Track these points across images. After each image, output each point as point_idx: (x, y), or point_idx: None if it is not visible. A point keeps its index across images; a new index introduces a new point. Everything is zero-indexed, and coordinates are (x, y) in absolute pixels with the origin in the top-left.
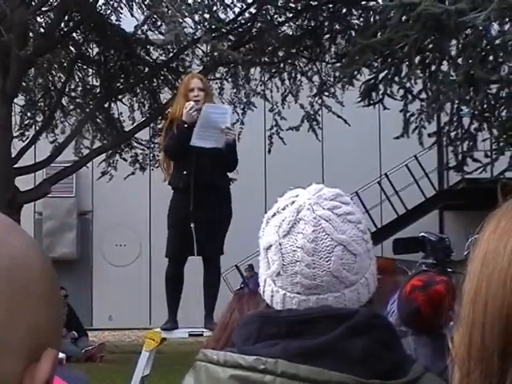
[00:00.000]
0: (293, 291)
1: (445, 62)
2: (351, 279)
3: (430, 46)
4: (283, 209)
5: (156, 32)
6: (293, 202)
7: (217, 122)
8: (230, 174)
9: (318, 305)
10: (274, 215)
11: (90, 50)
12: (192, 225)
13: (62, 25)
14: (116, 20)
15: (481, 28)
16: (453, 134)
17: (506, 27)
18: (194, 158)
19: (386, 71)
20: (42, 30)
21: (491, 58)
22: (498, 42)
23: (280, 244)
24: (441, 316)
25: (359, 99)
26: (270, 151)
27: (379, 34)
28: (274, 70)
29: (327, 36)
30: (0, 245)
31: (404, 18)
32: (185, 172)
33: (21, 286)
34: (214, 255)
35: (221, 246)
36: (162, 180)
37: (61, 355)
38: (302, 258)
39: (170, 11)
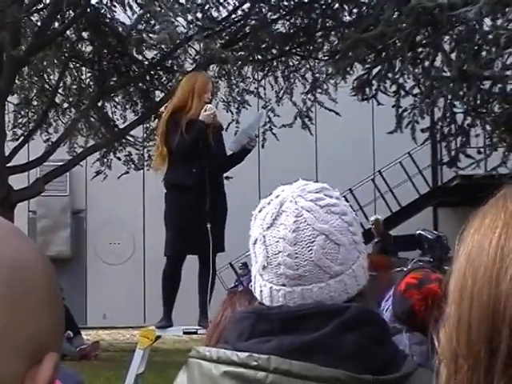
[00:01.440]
0: (278, 283)
1: (438, 58)
2: (336, 269)
3: (424, 41)
4: (268, 203)
5: (149, 31)
6: (277, 196)
7: (254, 129)
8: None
9: (304, 296)
10: (260, 211)
11: (84, 49)
12: (209, 225)
13: (56, 24)
14: (110, 19)
15: (473, 23)
16: (446, 130)
17: (499, 22)
18: (205, 157)
19: (379, 67)
20: (36, 29)
21: (484, 53)
22: (490, 36)
23: (264, 236)
24: (435, 314)
25: (353, 94)
26: (263, 146)
27: (372, 28)
28: (267, 69)
29: (320, 33)
30: (1, 246)
31: (397, 12)
32: (194, 170)
33: (23, 287)
34: (217, 253)
35: (223, 244)
36: (152, 168)
37: None
38: (284, 248)
39: (162, 10)
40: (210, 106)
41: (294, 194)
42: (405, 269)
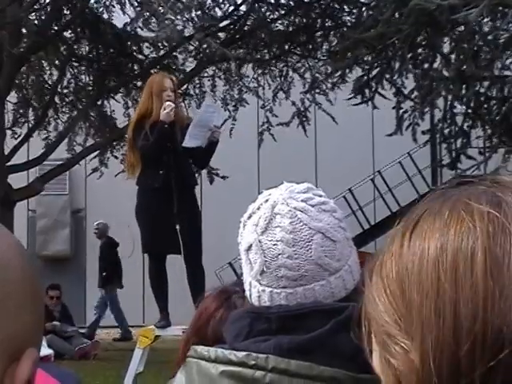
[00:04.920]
0: (279, 286)
1: (437, 60)
2: (334, 266)
3: (423, 42)
4: (258, 208)
5: (148, 29)
6: (266, 201)
7: (209, 120)
8: (223, 171)
9: (306, 296)
10: (249, 217)
11: (83, 48)
12: (177, 226)
13: (55, 23)
14: (108, 17)
15: (473, 24)
16: (446, 131)
17: (498, 23)
18: (172, 158)
19: (378, 68)
20: (35, 28)
21: (483, 54)
22: (490, 37)
23: (260, 241)
24: None
25: (351, 95)
26: (259, 145)
27: (372, 29)
28: (266, 67)
29: (320, 33)
30: None
31: (396, 13)
32: (161, 171)
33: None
34: (197, 255)
35: (200, 245)
36: (126, 178)
37: (49, 351)
38: (283, 250)
39: (162, 9)
40: (167, 103)
41: (284, 196)
42: None
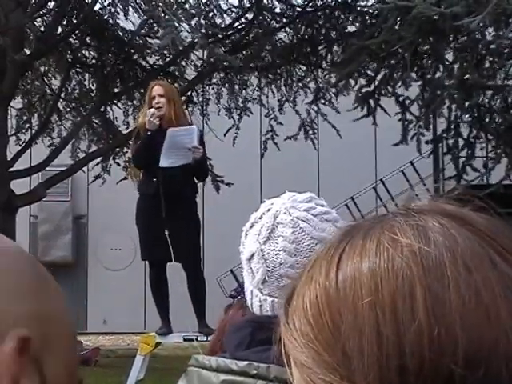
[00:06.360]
0: (280, 296)
1: (441, 69)
2: None
3: (427, 51)
4: (260, 218)
5: (152, 36)
6: (269, 210)
7: (183, 143)
8: (226, 179)
9: None
10: (251, 226)
11: (87, 54)
12: (166, 232)
13: (60, 29)
14: (112, 24)
15: (476, 32)
16: (451, 142)
17: (501, 32)
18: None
19: (381, 77)
20: (39, 34)
21: (487, 63)
22: (493, 46)
23: (262, 250)
24: None
25: (355, 106)
26: (262, 156)
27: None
28: (270, 76)
29: (323, 45)
30: None
31: (399, 21)
32: (154, 179)
33: None
34: (192, 262)
35: (197, 252)
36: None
37: None
38: (285, 260)
39: (166, 16)
40: (149, 110)
41: (286, 206)
42: None
